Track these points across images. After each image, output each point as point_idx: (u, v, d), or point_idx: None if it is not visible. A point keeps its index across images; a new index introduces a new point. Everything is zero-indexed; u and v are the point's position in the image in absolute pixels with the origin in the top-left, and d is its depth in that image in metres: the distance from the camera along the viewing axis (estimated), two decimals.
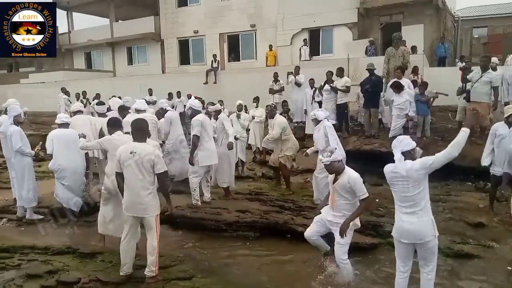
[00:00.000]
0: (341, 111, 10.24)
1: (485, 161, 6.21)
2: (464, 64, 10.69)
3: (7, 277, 4.51)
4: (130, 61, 22.98)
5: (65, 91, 15.34)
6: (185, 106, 14.58)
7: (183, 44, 21.05)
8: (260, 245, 5.48)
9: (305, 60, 15.66)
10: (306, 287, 4.35)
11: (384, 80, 9.80)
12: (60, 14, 25.35)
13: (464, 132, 3.52)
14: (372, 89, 9.40)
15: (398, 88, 8.54)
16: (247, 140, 9.52)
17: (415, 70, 10.81)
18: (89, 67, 24.47)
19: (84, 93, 15.39)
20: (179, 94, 14.97)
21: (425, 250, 3.58)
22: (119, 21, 23.78)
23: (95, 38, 23.16)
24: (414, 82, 9.78)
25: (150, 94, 14.98)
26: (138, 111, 7.13)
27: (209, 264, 4.80)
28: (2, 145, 6.65)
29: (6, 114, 6.41)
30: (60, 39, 24.37)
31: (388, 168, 3.69)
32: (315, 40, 17.50)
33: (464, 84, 8.91)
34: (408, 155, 3.61)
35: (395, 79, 8.81)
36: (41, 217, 6.33)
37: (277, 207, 6.24)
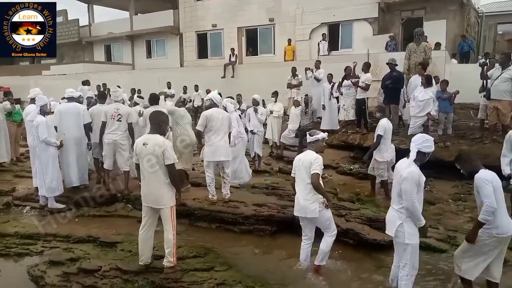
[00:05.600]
0: (359, 106, 10.13)
1: (506, 170, 5.97)
2: (483, 60, 10.39)
3: (31, 262, 4.67)
4: (149, 54, 23.16)
5: (86, 83, 15.49)
6: (202, 99, 14.74)
7: (202, 38, 21.11)
8: (278, 239, 5.49)
9: (323, 55, 15.53)
10: (324, 282, 4.35)
11: (405, 76, 9.64)
12: (81, 7, 25.76)
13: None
14: (392, 85, 9.24)
15: (428, 82, 8.33)
16: (264, 135, 9.51)
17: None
18: (109, 59, 24.77)
19: (104, 85, 15.57)
20: (196, 88, 15.05)
21: (395, 244, 3.82)
22: (139, 14, 23.98)
23: (115, 31, 23.41)
24: (436, 79, 9.61)
25: (169, 87, 15.09)
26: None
27: (226, 256, 4.83)
28: (27, 134, 6.81)
29: (34, 103, 6.54)
30: (80, 32, 24.78)
31: (400, 163, 3.88)
32: (334, 35, 17.32)
33: (484, 81, 8.71)
34: (422, 157, 3.69)
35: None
36: (63, 206, 6.45)
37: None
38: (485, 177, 3.66)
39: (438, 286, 4.24)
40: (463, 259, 3.84)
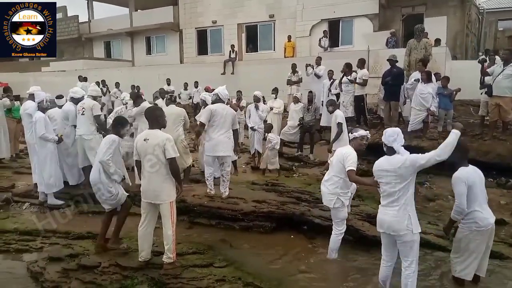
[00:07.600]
0: (358, 103, 10.11)
1: None
2: (483, 57, 10.35)
3: (31, 258, 4.66)
4: (149, 51, 23.14)
5: (82, 79, 15.46)
6: None
7: (201, 34, 21.06)
8: (278, 236, 5.49)
9: (324, 51, 15.48)
10: (323, 278, 4.36)
11: (405, 72, 9.62)
12: (81, 3, 25.70)
13: (455, 134, 3.45)
14: (393, 81, 9.22)
15: (428, 77, 8.35)
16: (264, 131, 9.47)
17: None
18: (108, 56, 24.74)
19: (103, 81, 15.57)
20: (196, 84, 15.02)
21: (401, 243, 3.64)
22: (138, 10, 23.92)
23: (114, 28, 23.39)
24: (436, 75, 9.59)
25: (168, 84, 15.10)
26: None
27: (226, 253, 4.84)
28: (25, 130, 6.80)
29: (32, 100, 6.55)
30: (80, 28, 24.73)
31: (380, 163, 3.73)
32: (334, 31, 17.29)
33: (482, 77, 8.68)
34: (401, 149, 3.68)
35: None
36: (62, 202, 6.45)
37: (294, 198, 6.22)
38: (459, 177, 3.79)
39: (437, 283, 4.23)
40: (457, 260, 3.93)
